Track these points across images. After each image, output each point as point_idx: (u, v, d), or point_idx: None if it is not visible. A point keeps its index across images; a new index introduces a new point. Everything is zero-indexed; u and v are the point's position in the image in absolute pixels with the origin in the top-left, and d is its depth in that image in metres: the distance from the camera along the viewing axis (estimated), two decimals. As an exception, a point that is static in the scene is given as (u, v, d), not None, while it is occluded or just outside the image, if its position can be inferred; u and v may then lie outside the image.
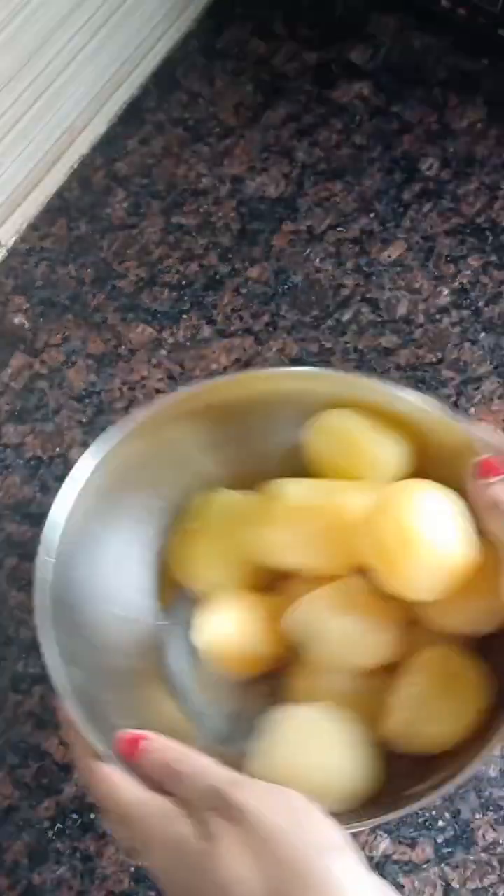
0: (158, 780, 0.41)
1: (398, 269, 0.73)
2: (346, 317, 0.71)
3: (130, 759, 0.42)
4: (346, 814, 0.43)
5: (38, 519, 0.64)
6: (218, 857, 0.37)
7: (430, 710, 0.49)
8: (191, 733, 0.53)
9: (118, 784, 0.41)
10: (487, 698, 0.49)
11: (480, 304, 0.72)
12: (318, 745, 0.48)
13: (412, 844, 0.57)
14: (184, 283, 0.72)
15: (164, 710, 0.54)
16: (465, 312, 0.71)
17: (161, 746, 0.42)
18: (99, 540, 0.53)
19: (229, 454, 0.56)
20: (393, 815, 0.45)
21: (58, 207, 0.74)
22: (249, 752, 0.48)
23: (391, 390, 0.52)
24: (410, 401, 0.52)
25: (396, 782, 0.48)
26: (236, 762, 0.44)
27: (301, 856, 0.36)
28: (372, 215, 0.74)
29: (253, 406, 0.54)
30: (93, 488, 0.51)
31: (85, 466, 0.51)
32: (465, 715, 0.48)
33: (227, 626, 0.53)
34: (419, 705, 0.49)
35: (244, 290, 0.72)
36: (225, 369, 0.69)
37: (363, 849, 0.57)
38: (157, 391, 0.68)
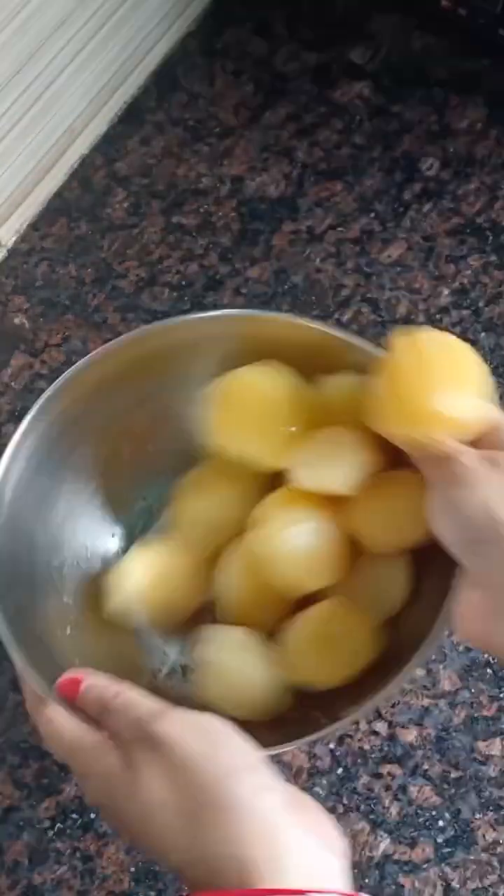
0: (95, 717, 0.43)
1: (398, 269, 0.73)
2: (347, 317, 0.71)
3: (72, 699, 0.44)
4: (269, 737, 0.45)
5: (38, 519, 0.64)
6: (139, 783, 0.39)
7: (308, 659, 0.51)
8: (144, 668, 0.55)
9: (60, 723, 0.44)
10: (369, 653, 0.51)
11: (480, 304, 0.72)
12: (242, 659, 0.52)
13: (412, 844, 0.57)
14: (184, 283, 0.72)
15: (116, 648, 0.55)
16: (466, 312, 0.71)
17: (97, 683, 0.44)
18: (47, 495, 0.55)
19: (156, 406, 0.57)
20: (309, 738, 0.46)
21: (58, 207, 0.74)
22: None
23: (289, 319, 0.54)
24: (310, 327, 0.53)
25: (312, 713, 0.50)
26: (185, 693, 0.48)
27: (211, 779, 0.39)
28: (372, 215, 0.74)
29: (173, 356, 0.55)
30: (33, 448, 0.52)
31: (22, 429, 0.52)
32: (343, 666, 0.50)
33: (140, 581, 0.54)
34: (300, 654, 0.51)
35: (244, 291, 0.72)
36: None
37: (363, 849, 0.57)
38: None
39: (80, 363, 0.53)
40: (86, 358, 0.53)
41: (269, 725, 0.49)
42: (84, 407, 0.54)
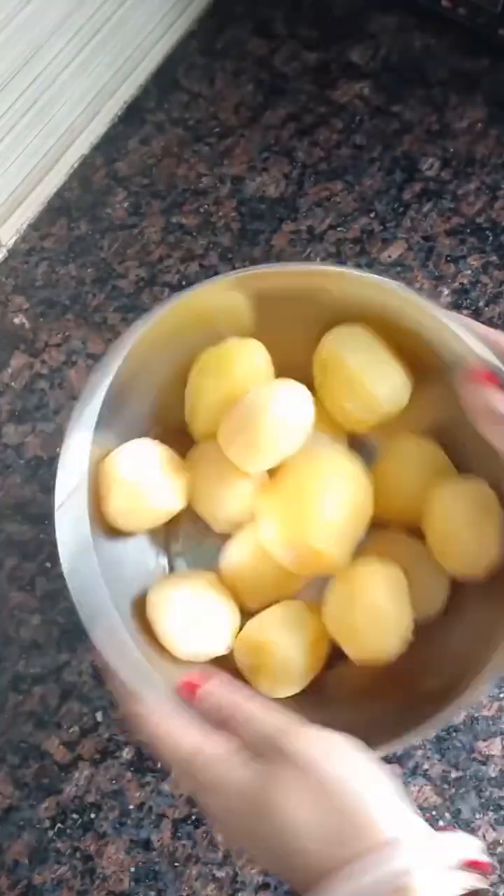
0: (214, 724, 0.42)
1: (398, 268, 0.73)
2: (347, 317, 0.71)
3: (190, 702, 0.43)
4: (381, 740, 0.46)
5: (38, 519, 0.64)
6: (276, 803, 0.38)
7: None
8: None
9: (177, 730, 0.42)
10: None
11: (481, 303, 0.72)
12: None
13: (412, 844, 0.57)
14: (184, 283, 0.72)
15: None
16: (466, 312, 0.71)
17: (216, 690, 0.43)
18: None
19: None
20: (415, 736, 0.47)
21: (58, 207, 0.74)
22: None
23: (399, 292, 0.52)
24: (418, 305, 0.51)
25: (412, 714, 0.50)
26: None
27: (354, 804, 0.38)
28: (372, 215, 0.74)
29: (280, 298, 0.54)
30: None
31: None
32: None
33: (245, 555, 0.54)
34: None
35: (244, 290, 0.72)
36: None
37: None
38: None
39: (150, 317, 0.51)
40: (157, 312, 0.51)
41: None
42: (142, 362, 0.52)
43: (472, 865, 0.38)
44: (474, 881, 0.38)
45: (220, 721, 0.42)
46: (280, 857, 0.38)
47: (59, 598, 0.62)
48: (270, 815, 0.38)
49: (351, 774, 0.39)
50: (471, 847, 0.39)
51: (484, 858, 0.39)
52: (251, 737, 0.40)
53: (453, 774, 0.59)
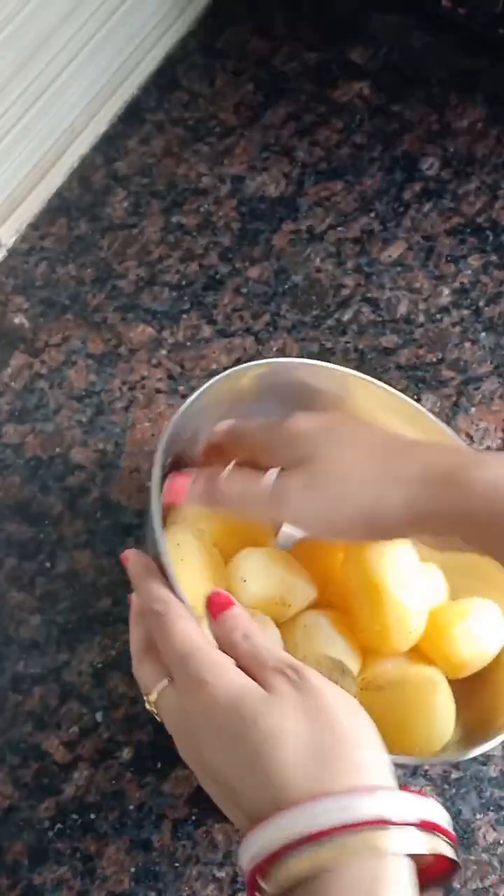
0: (232, 642, 0.44)
1: (398, 268, 0.73)
2: (347, 316, 0.71)
3: (214, 617, 0.45)
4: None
5: (37, 519, 0.64)
6: (274, 706, 0.40)
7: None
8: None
9: (187, 627, 0.44)
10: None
11: (481, 303, 0.72)
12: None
13: (413, 844, 0.57)
14: (184, 282, 0.72)
15: None
16: (466, 312, 0.71)
17: (244, 614, 0.45)
18: None
19: None
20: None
21: (58, 207, 0.74)
22: None
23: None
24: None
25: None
26: None
27: (348, 736, 0.39)
28: (372, 215, 0.74)
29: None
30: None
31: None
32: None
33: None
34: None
35: (244, 290, 0.72)
36: (224, 369, 0.69)
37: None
38: (157, 391, 0.68)
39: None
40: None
41: None
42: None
43: (436, 829, 0.39)
44: (440, 845, 0.38)
45: (232, 644, 0.43)
46: (250, 770, 0.39)
47: (59, 597, 0.62)
48: (265, 715, 0.39)
49: (353, 717, 0.41)
50: (437, 813, 0.39)
51: (448, 828, 0.39)
52: (273, 656, 0.42)
53: (454, 774, 0.59)
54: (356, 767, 0.39)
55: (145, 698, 0.45)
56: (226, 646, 0.44)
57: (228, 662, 0.42)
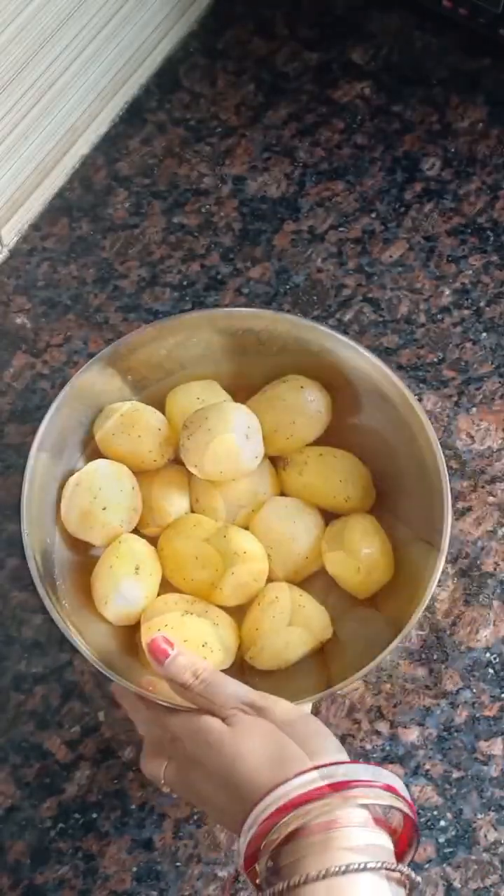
0: (183, 684, 0.49)
1: (399, 268, 0.73)
2: (348, 317, 0.71)
3: (161, 658, 0.50)
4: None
5: (39, 519, 0.64)
6: (233, 735, 0.47)
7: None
8: None
9: (161, 688, 0.51)
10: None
11: (482, 303, 0.72)
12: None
13: (414, 844, 0.57)
14: (185, 283, 0.72)
15: None
16: (467, 312, 0.71)
17: (187, 652, 0.51)
18: None
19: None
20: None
21: (59, 207, 0.74)
22: None
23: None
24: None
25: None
26: None
27: (301, 737, 0.46)
28: (373, 215, 0.74)
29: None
30: None
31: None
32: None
33: None
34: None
35: (246, 290, 0.72)
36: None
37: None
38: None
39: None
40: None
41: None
42: None
43: (392, 790, 0.44)
44: (395, 801, 0.44)
45: (188, 681, 0.49)
46: (224, 787, 0.46)
47: (61, 597, 0.62)
48: (228, 745, 0.46)
49: (297, 723, 0.47)
50: (391, 777, 0.44)
51: (405, 793, 0.44)
52: (224, 695, 0.49)
53: (455, 774, 0.59)
54: (312, 755, 0.45)
55: (160, 786, 0.52)
56: (179, 687, 0.50)
57: (193, 714, 0.49)
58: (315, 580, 0.61)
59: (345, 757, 0.46)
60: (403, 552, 0.60)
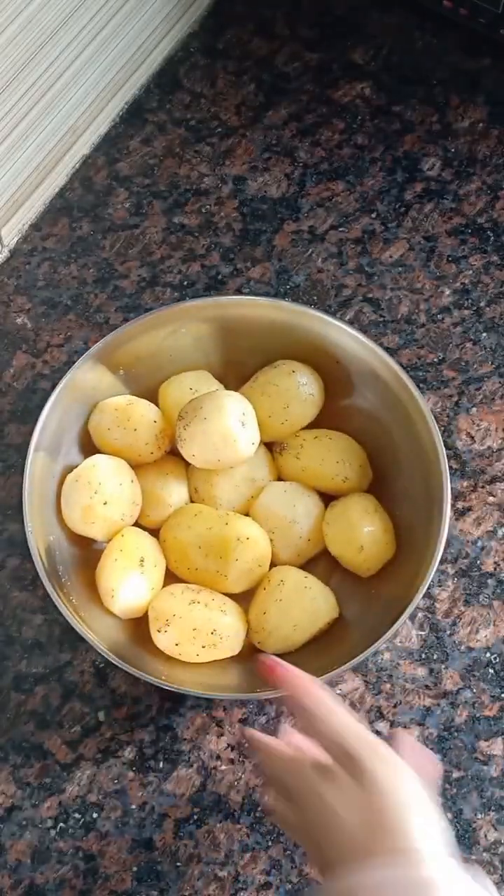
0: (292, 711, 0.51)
1: (400, 268, 0.73)
2: (348, 317, 0.71)
3: (272, 679, 0.50)
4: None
5: (40, 519, 0.64)
6: (328, 797, 0.46)
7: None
8: None
9: (278, 747, 0.51)
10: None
11: (482, 303, 0.72)
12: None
13: (414, 844, 0.57)
14: (186, 283, 0.72)
15: None
16: (467, 312, 0.71)
17: (294, 673, 0.50)
18: None
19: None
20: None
21: (60, 208, 0.75)
22: None
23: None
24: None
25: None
26: None
27: (393, 815, 0.44)
28: (373, 215, 0.74)
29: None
30: None
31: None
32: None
33: None
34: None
35: (246, 291, 0.72)
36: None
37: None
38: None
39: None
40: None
41: None
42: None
43: None
44: None
45: (295, 711, 0.50)
46: (321, 842, 0.46)
47: (61, 597, 0.62)
48: (322, 806, 0.46)
49: (401, 791, 0.45)
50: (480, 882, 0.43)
51: None
52: (327, 741, 0.47)
53: (455, 774, 0.59)
54: (400, 838, 0.44)
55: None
56: (306, 719, 0.49)
57: (307, 769, 0.48)
58: (318, 562, 0.62)
59: (442, 839, 0.45)
60: (404, 530, 0.61)
